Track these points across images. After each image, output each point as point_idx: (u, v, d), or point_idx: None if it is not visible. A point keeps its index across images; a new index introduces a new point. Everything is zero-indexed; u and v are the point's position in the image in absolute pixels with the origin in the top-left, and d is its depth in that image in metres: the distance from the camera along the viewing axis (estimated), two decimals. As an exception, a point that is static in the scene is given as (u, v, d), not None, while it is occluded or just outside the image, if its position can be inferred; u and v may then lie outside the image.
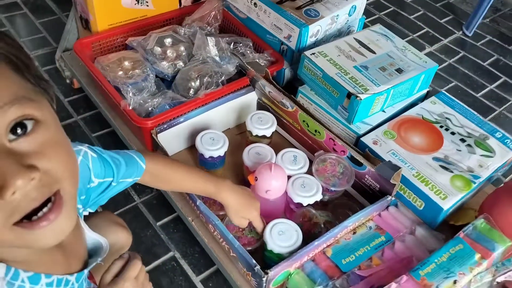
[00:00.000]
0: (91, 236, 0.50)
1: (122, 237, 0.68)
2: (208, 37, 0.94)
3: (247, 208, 0.71)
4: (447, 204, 0.77)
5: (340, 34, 1.06)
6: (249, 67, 0.91)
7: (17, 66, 0.36)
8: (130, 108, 0.84)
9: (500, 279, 0.72)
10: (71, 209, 0.37)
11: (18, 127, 0.34)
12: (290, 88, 1.03)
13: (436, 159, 0.83)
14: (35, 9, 1.47)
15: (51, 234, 0.36)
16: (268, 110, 0.95)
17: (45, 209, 0.35)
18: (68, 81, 1.21)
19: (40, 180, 0.34)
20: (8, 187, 0.31)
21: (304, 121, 0.87)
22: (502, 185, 0.81)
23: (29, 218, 0.34)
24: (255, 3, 1.00)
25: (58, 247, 0.43)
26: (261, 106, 0.99)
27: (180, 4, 1.09)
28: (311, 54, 0.92)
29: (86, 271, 0.48)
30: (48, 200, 0.35)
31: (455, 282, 0.68)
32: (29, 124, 0.34)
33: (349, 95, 0.86)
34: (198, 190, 0.71)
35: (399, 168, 0.74)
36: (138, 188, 1.01)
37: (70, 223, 0.37)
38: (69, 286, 0.45)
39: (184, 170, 0.67)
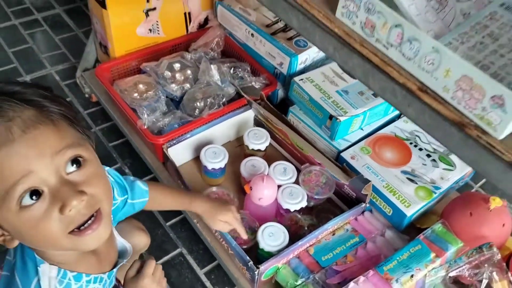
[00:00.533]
0: (119, 241, 0.65)
1: (142, 240, 0.83)
2: (211, 64, 1.09)
3: (221, 211, 0.80)
4: (410, 211, 0.91)
5: (327, 58, 1.20)
6: (245, 94, 1.05)
7: (70, 121, 0.50)
8: (145, 127, 0.99)
9: (452, 274, 0.87)
10: (107, 221, 0.51)
11: (74, 163, 0.48)
12: (283, 105, 1.18)
13: (404, 172, 0.98)
14: (54, 26, 1.62)
15: (94, 239, 0.50)
16: (263, 126, 1.09)
17: (89, 222, 0.49)
18: (87, 95, 1.36)
19: (88, 201, 0.48)
20: (67, 206, 0.46)
21: (293, 138, 1.02)
22: (458, 195, 0.96)
23: (78, 228, 0.48)
24: (252, 34, 1.15)
25: (93, 253, 0.58)
26: (257, 122, 1.13)
27: (187, 31, 1.23)
28: (299, 80, 1.07)
29: (115, 270, 0.63)
30: (91, 216, 0.49)
31: (412, 276, 0.83)
32: (80, 161, 0.49)
33: (331, 117, 1.00)
34: (178, 207, 0.83)
35: (369, 181, 0.89)
36: (150, 192, 1.16)
37: (107, 231, 0.52)
38: (103, 282, 0.60)
39: (171, 195, 0.79)
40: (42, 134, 0.46)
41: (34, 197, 0.45)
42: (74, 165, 0.48)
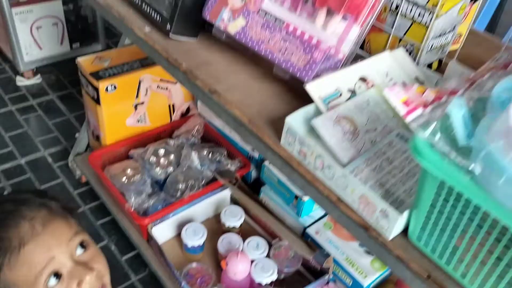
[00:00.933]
0: None
1: None
2: (192, 150, 1.24)
3: None
4: (367, 281, 1.03)
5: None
6: (221, 179, 1.20)
7: (70, 213, 0.65)
8: (132, 209, 1.12)
9: (406, 338, 0.98)
10: None
11: (80, 247, 0.61)
12: (256, 184, 1.32)
13: (361, 245, 1.11)
14: (48, 111, 1.77)
15: None
16: (238, 204, 1.23)
17: None
18: (77, 177, 1.48)
19: (96, 275, 0.61)
20: (83, 281, 0.59)
21: (263, 216, 1.15)
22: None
23: None
24: (227, 124, 1.32)
25: None
26: (233, 200, 1.27)
27: (171, 119, 1.40)
28: (269, 163, 1.22)
29: None
30: None
31: None
32: (85, 244, 0.62)
33: (296, 196, 1.15)
34: None
35: (329, 255, 1.02)
36: (135, 267, 1.26)
37: None
38: None
39: None
40: (58, 227, 0.60)
41: (55, 279, 0.58)
42: (81, 248, 0.62)
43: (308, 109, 0.57)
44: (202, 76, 0.66)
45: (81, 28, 1.88)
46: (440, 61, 0.74)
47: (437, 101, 0.39)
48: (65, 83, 1.89)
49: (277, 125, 0.59)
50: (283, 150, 0.56)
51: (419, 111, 0.38)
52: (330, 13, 0.61)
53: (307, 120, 0.56)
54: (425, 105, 0.38)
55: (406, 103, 0.38)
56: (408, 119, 0.38)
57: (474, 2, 0.75)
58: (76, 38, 1.87)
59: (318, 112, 0.58)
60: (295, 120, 0.55)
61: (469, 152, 0.36)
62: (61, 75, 1.91)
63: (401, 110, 0.38)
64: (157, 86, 1.29)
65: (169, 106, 1.36)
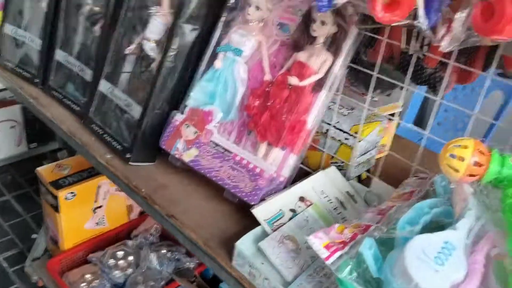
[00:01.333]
0: None
1: None
2: (150, 252, 1.28)
3: None
4: None
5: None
6: (178, 278, 1.24)
7: None
8: (92, 318, 1.12)
9: None
10: None
11: None
12: (216, 279, 1.35)
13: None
14: (3, 212, 1.75)
15: None
16: (198, 302, 1.26)
17: None
18: (33, 281, 1.45)
19: None
20: None
21: (224, 313, 1.19)
22: None
23: None
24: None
25: None
26: (193, 298, 1.29)
27: (129, 218, 1.44)
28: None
29: None
30: None
31: None
32: None
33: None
34: None
35: None
36: None
37: None
38: None
39: None
40: None
41: None
42: None
43: (255, 231, 0.66)
44: (160, 201, 0.73)
45: (39, 128, 1.93)
46: (368, 170, 0.86)
47: (354, 239, 0.48)
48: (21, 182, 1.90)
49: (229, 246, 0.66)
50: (235, 271, 0.63)
51: (338, 253, 0.46)
52: (270, 144, 0.71)
53: (255, 242, 0.64)
54: (344, 245, 0.47)
55: (327, 247, 0.47)
56: (329, 261, 0.46)
57: (391, 121, 0.89)
58: (33, 138, 1.91)
59: (264, 233, 0.66)
60: (244, 244, 0.63)
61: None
62: (17, 174, 1.92)
63: (323, 254, 0.46)
64: (115, 189, 1.34)
65: (127, 206, 1.41)
